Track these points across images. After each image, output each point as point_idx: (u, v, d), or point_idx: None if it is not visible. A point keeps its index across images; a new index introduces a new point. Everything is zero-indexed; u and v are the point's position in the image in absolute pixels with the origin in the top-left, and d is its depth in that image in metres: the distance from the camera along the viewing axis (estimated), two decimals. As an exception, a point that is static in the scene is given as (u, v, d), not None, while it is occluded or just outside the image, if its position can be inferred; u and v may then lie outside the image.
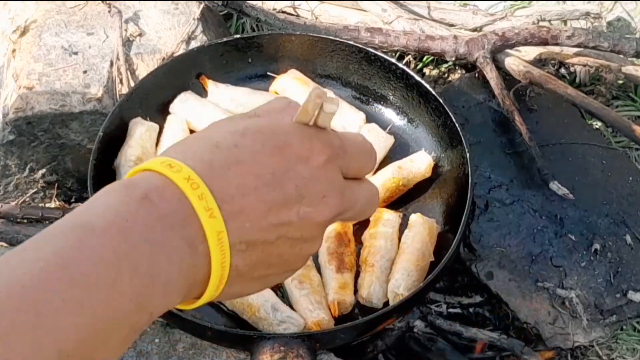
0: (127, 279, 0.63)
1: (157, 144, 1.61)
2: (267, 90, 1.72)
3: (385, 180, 1.57)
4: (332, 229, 1.50)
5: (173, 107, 1.65)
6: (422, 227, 1.50)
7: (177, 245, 0.67)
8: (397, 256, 1.49)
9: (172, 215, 0.67)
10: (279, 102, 0.80)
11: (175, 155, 0.71)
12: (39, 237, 0.66)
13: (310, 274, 1.46)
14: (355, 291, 1.47)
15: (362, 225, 1.55)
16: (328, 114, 0.75)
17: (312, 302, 1.41)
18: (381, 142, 1.62)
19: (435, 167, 1.61)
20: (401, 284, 1.43)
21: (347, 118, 1.66)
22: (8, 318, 0.58)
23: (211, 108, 1.65)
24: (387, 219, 1.53)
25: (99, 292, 0.62)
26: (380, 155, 1.62)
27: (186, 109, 1.65)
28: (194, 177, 0.68)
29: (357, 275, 1.50)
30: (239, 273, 0.72)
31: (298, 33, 1.76)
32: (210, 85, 1.69)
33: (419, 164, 1.59)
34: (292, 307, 1.44)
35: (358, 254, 1.52)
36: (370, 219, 1.54)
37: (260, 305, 1.41)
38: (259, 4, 1.96)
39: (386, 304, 1.45)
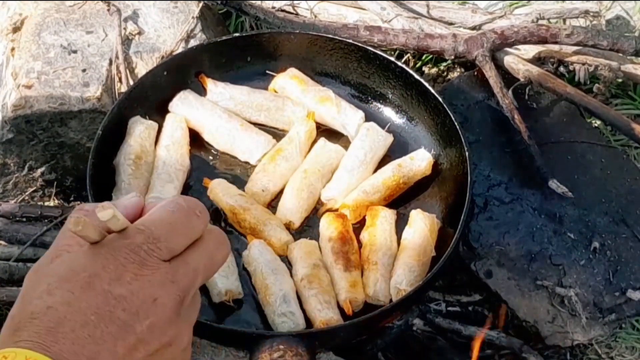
0: None
1: (156, 142, 1.61)
2: (266, 88, 1.72)
3: (385, 178, 1.57)
4: (334, 228, 1.50)
5: (172, 106, 1.65)
6: (423, 223, 1.50)
7: None
8: (399, 252, 1.50)
9: None
10: (64, 236, 0.77)
11: (3, 345, 0.70)
12: None
13: (320, 274, 1.46)
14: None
15: (360, 225, 1.56)
16: (110, 220, 0.73)
17: (320, 302, 1.42)
18: (380, 140, 1.62)
19: (435, 165, 1.61)
20: (403, 279, 1.43)
21: (346, 116, 1.66)
22: None
23: (210, 107, 1.65)
24: (384, 216, 1.53)
25: None
26: (379, 154, 1.62)
27: (185, 108, 1.65)
28: (31, 355, 0.68)
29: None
30: None
31: (297, 31, 1.76)
32: (210, 83, 1.69)
33: (418, 161, 1.59)
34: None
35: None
36: (367, 218, 1.54)
37: (275, 291, 1.42)
38: (258, 2, 1.96)
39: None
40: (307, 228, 1.57)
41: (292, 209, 1.54)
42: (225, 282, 1.43)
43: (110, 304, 0.72)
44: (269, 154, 1.60)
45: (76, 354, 0.69)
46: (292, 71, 1.72)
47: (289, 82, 1.70)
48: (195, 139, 1.64)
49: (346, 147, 1.64)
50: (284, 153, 1.59)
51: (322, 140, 1.62)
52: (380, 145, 1.62)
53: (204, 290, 1.43)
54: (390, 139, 1.64)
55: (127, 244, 0.74)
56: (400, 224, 1.54)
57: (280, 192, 1.58)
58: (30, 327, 0.71)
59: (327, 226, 1.51)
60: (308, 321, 1.43)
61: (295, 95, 1.69)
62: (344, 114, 1.66)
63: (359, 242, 1.53)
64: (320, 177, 1.59)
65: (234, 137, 1.62)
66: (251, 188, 1.56)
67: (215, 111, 1.64)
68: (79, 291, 0.72)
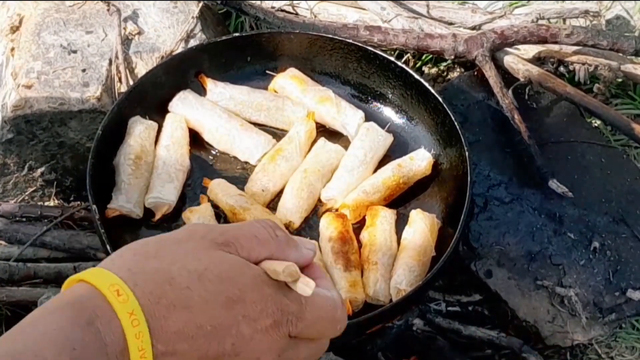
0: None
1: (155, 142, 1.61)
2: (266, 88, 1.72)
3: (385, 178, 1.57)
4: (334, 228, 1.50)
5: (172, 106, 1.65)
6: (423, 223, 1.50)
7: None
8: (399, 252, 1.50)
9: (111, 345, 0.69)
10: (259, 231, 0.79)
11: (124, 275, 0.71)
12: None
13: None
14: (361, 289, 1.48)
15: (360, 225, 1.56)
16: (304, 293, 0.75)
17: None
18: (380, 140, 1.62)
19: (435, 165, 1.61)
20: (403, 279, 1.43)
21: (346, 116, 1.66)
22: None
23: (210, 107, 1.65)
24: (384, 216, 1.53)
25: None
26: (379, 154, 1.62)
27: (185, 108, 1.65)
28: (138, 312, 0.69)
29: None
30: None
31: (297, 31, 1.76)
32: (210, 83, 1.69)
33: (419, 161, 1.59)
34: None
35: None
36: (367, 218, 1.54)
37: None
38: (258, 2, 1.96)
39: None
40: (307, 228, 1.57)
41: (292, 208, 1.54)
42: None
43: (230, 332, 0.73)
44: (269, 154, 1.60)
45: (168, 340, 0.70)
46: (292, 71, 1.72)
47: (289, 82, 1.70)
48: (195, 139, 1.64)
49: (346, 147, 1.63)
50: (284, 153, 1.59)
51: (322, 140, 1.62)
52: (380, 145, 1.62)
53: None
54: (390, 138, 1.64)
55: (283, 302, 0.76)
56: (400, 223, 1.54)
57: (280, 192, 1.58)
58: (158, 284, 0.71)
59: (327, 226, 1.51)
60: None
61: (295, 95, 1.69)
62: (343, 114, 1.66)
63: (359, 242, 1.53)
64: (320, 177, 1.59)
65: (233, 137, 1.62)
66: (251, 188, 1.56)
67: (215, 111, 1.64)
68: (221, 300, 0.73)
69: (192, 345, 0.71)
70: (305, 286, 0.75)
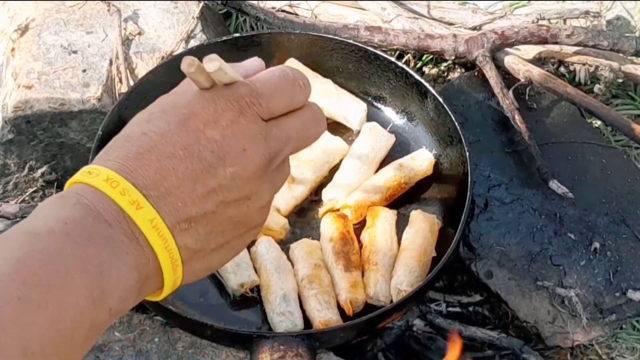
0: (77, 277, 0.66)
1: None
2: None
3: (386, 178, 1.57)
4: (335, 229, 1.50)
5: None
6: (423, 223, 1.50)
7: (119, 240, 0.69)
8: (399, 253, 1.50)
9: (106, 213, 0.69)
10: (183, 82, 0.81)
11: (96, 161, 0.74)
12: None
13: (321, 274, 1.46)
14: (362, 289, 1.48)
15: (361, 226, 1.56)
16: (217, 72, 0.74)
17: (320, 302, 1.42)
18: (382, 141, 1.62)
19: (436, 165, 1.61)
20: (404, 280, 1.43)
21: (348, 108, 1.65)
22: None
23: None
24: (384, 216, 1.53)
25: (52, 291, 0.64)
26: (381, 154, 1.62)
27: None
28: (113, 175, 0.71)
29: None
30: (192, 251, 0.74)
31: (297, 32, 1.76)
32: (211, 83, 1.68)
33: (420, 161, 1.59)
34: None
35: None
36: (367, 218, 1.54)
37: (276, 290, 1.43)
38: (259, 3, 1.96)
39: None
40: (309, 229, 1.57)
41: (279, 194, 1.54)
42: (240, 277, 1.44)
43: (201, 143, 0.73)
44: None
45: (155, 184, 0.71)
46: (292, 62, 1.71)
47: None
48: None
49: (350, 140, 1.63)
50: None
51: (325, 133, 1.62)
52: (382, 146, 1.62)
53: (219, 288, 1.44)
54: (392, 139, 1.64)
55: (230, 92, 0.76)
56: (401, 224, 1.54)
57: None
58: (121, 149, 0.74)
59: (328, 226, 1.51)
60: (307, 321, 1.43)
61: None
62: (346, 107, 1.66)
63: (360, 242, 1.53)
64: (313, 167, 1.58)
65: None
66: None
67: None
68: (174, 125, 0.74)
69: (178, 175, 0.72)
70: (209, 62, 0.73)
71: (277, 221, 1.52)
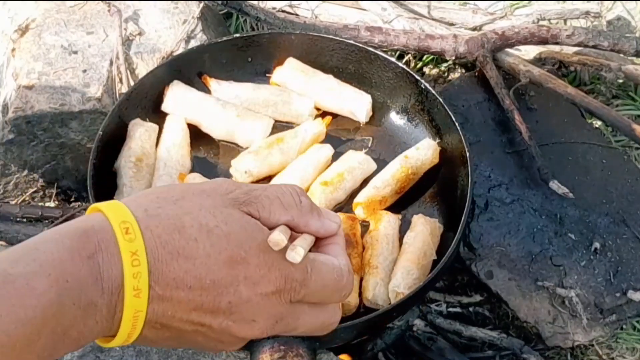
0: (43, 339, 0.66)
1: (156, 144, 1.61)
2: (267, 87, 1.72)
3: (394, 171, 1.56)
4: (340, 229, 1.50)
5: (166, 107, 1.64)
6: (424, 227, 1.50)
7: (99, 310, 0.70)
8: (399, 256, 1.49)
9: (107, 280, 0.70)
10: (284, 195, 0.80)
11: (141, 218, 0.72)
12: None
13: None
14: (360, 293, 1.47)
15: (364, 229, 1.55)
16: (293, 261, 0.75)
17: None
18: (363, 166, 1.60)
19: (441, 154, 1.60)
20: (401, 282, 1.43)
21: (353, 102, 1.66)
22: None
23: (202, 97, 1.64)
24: (387, 220, 1.53)
25: (13, 353, 0.65)
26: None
27: (178, 105, 1.63)
28: (141, 253, 0.70)
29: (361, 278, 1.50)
30: (147, 340, 0.76)
31: (298, 32, 1.76)
32: (213, 83, 1.69)
33: (425, 150, 1.59)
34: None
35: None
36: (370, 222, 1.54)
37: None
38: (259, 3, 1.96)
39: (392, 304, 1.45)
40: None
41: None
42: None
43: (228, 290, 0.74)
44: (269, 139, 1.59)
45: (166, 285, 0.72)
46: (291, 62, 1.71)
47: (291, 74, 1.70)
48: (196, 139, 1.64)
49: (360, 136, 1.64)
50: (283, 145, 1.58)
51: (329, 149, 1.61)
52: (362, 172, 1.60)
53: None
54: (373, 166, 1.61)
55: (288, 270, 0.77)
56: (405, 229, 1.54)
57: (262, 180, 1.57)
58: (168, 231, 0.72)
59: (336, 227, 1.51)
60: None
61: (299, 86, 1.68)
62: (350, 100, 1.66)
63: (363, 245, 1.53)
64: (314, 174, 1.58)
65: (232, 125, 1.61)
66: (235, 164, 1.55)
67: (209, 102, 1.63)
68: (223, 258, 0.74)
69: (188, 295, 0.72)
70: (293, 252, 0.75)
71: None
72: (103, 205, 0.73)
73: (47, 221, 1.79)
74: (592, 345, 1.67)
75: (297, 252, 0.75)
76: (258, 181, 1.58)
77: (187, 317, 0.73)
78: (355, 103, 1.66)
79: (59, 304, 0.67)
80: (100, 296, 0.69)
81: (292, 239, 0.79)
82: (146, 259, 0.70)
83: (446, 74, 2.13)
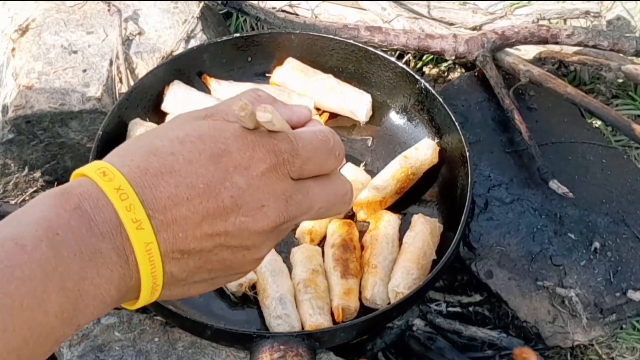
0: (54, 296, 0.64)
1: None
2: (267, 87, 1.72)
3: (394, 171, 1.57)
4: (338, 235, 1.50)
5: (166, 107, 1.64)
6: (423, 227, 1.50)
7: (107, 256, 0.67)
8: (398, 255, 1.50)
9: (102, 224, 0.67)
10: (241, 97, 0.78)
11: (113, 161, 0.71)
12: None
13: (317, 280, 1.46)
14: (360, 292, 1.47)
15: (364, 228, 1.56)
16: (266, 123, 0.73)
17: (312, 307, 1.42)
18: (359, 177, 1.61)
19: (441, 153, 1.60)
20: (400, 282, 1.43)
21: (353, 102, 1.66)
22: None
23: (202, 96, 1.64)
24: (387, 220, 1.53)
25: (23, 314, 0.62)
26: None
27: (179, 105, 1.63)
28: (125, 186, 0.68)
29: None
30: (175, 279, 0.73)
31: (297, 32, 1.76)
32: (213, 83, 1.69)
33: (424, 150, 1.59)
34: None
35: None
36: (371, 221, 1.54)
37: (272, 293, 1.42)
38: (259, 3, 1.96)
39: (391, 304, 1.45)
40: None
41: None
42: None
43: (224, 185, 0.71)
44: None
45: (164, 208, 0.69)
46: (291, 62, 1.71)
47: (290, 74, 1.70)
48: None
49: (359, 134, 1.64)
50: None
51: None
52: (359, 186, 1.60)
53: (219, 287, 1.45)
54: (367, 178, 1.61)
55: (271, 143, 0.74)
56: (404, 228, 1.54)
57: None
58: (143, 159, 0.71)
59: (332, 233, 1.52)
60: (305, 323, 1.43)
61: (298, 87, 1.69)
62: (350, 100, 1.66)
63: (362, 245, 1.53)
64: None
65: None
66: None
67: (207, 101, 1.64)
68: (205, 157, 0.72)
69: (190, 208, 0.70)
70: (261, 112, 0.72)
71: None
72: (80, 168, 0.73)
73: (47, 221, 1.79)
74: (592, 345, 1.67)
75: (265, 109, 0.72)
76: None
77: (200, 232, 0.71)
78: (355, 103, 1.66)
79: (57, 258, 0.64)
80: (102, 241, 0.67)
81: None
82: (133, 190, 0.68)
83: (446, 74, 2.13)
